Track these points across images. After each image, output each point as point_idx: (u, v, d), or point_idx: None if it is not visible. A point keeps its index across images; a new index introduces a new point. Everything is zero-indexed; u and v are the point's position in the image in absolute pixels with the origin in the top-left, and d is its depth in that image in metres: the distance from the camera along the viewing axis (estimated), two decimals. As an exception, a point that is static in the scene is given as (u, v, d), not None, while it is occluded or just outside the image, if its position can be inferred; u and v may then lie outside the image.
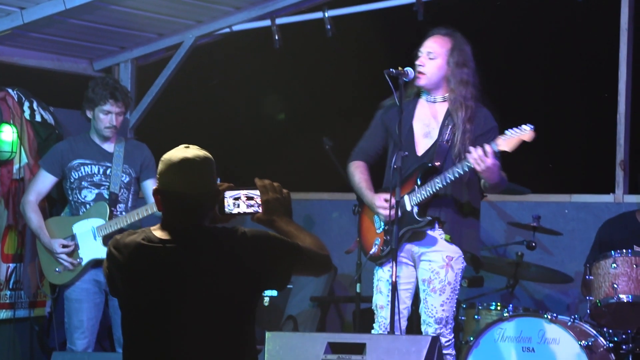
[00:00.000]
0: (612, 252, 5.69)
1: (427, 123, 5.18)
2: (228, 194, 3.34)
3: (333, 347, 4.42)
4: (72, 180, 5.76)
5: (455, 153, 5.08)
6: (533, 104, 7.27)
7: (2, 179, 6.34)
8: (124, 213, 5.74)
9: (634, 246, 5.87)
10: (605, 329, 5.67)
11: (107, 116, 5.72)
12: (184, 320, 3.19)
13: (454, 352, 5.19)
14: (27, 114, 6.49)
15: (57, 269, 5.74)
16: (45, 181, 5.82)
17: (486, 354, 5.61)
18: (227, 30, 7.27)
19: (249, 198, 3.35)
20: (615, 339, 5.64)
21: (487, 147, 4.90)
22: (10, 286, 6.41)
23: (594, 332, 5.61)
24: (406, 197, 5.09)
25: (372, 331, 5.20)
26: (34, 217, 5.80)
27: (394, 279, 4.88)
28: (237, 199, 3.35)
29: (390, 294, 4.91)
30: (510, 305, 5.75)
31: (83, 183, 5.75)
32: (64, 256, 5.70)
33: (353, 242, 6.11)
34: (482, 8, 7.27)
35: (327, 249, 3.39)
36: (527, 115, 5.05)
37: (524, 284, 6.63)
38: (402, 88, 5.05)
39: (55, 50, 7.15)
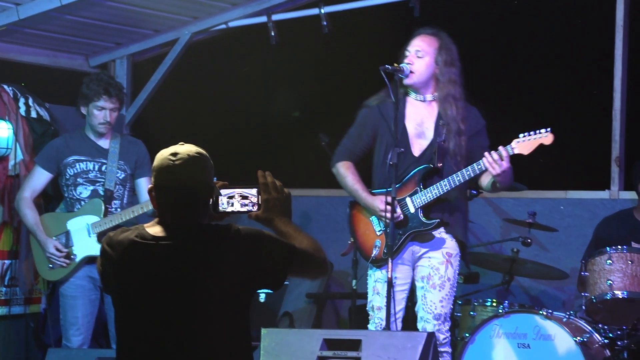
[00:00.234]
0: (608, 248, 5.70)
1: (419, 123, 5.18)
2: (223, 192, 3.33)
3: (329, 344, 4.41)
4: (67, 177, 5.75)
5: (450, 153, 5.08)
6: (528, 101, 7.27)
7: (-3, 176, 6.34)
8: (119, 210, 5.73)
9: (632, 243, 5.88)
10: (600, 325, 5.68)
11: (101, 112, 5.70)
12: (177, 317, 3.19)
13: (450, 350, 5.19)
14: (22, 110, 6.49)
15: (50, 265, 5.74)
16: (40, 178, 5.81)
17: (482, 350, 5.62)
18: (223, 26, 7.26)
19: (244, 197, 3.34)
20: (611, 335, 5.65)
21: (503, 151, 4.91)
22: (6, 283, 6.40)
23: (589, 328, 5.62)
24: (408, 200, 5.09)
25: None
26: (30, 214, 5.79)
27: (389, 275, 4.88)
28: (231, 197, 3.34)
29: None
30: (506, 302, 5.75)
31: (78, 180, 5.74)
32: (54, 256, 5.68)
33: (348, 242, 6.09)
34: (477, 4, 7.26)
35: (324, 252, 3.38)
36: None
37: (520, 281, 6.64)
38: (397, 84, 5.06)
39: (51, 47, 7.14)
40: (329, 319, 7.21)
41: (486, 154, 4.93)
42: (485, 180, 5.11)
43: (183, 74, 7.58)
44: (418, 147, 5.16)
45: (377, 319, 5.14)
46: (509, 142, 5.00)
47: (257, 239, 3.24)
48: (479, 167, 4.97)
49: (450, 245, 5.13)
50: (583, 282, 5.79)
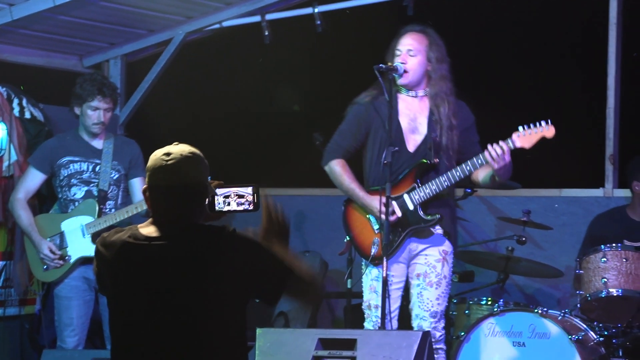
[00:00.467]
0: (602, 246, 5.71)
1: (412, 118, 5.18)
2: (218, 191, 3.33)
3: (324, 343, 4.41)
4: (61, 178, 5.74)
5: (443, 149, 5.09)
6: (522, 98, 7.28)
7: (-9, 177, 6.33)
8: (113, 210, 5.72)
9: (625, 240, 5.89)
10: (595, 323, 5.69)
11: (95, 112, 5.69)
12: (171, 317, 3.18)
13: (445, 347, 5.20)
14: (16, 111, 6.47)
15: (44, 267, 5.73)
16: (34, 179, 5.80)
17: (477, 348, 5.62)
18: (217, 26, 7.26)
19: (240, 196, 3.34)
20: (606, 332, 5.65)
21: (504, 145, 4.91)
22: (0, 284, 6.39)
23: (584, 326, 5.62)
24: (406, 196, 5.09)
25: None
26: (24, 215, 5.78)
27: (384, 274, 4.88)
28: (227, 196, 3.34)
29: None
30: (501, 300, 5.75)
31: (72, 180, 5.73)
32: (48, 258, 5.67)
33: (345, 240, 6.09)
34: (470, 3, 7.27)
35: (320, 280, 3.36)
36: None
37: (515, 279, 6.64)
38: (392, 84, 5.06)
39: (44, 47, 7.13)
40: (324, 318, 7.21)
41: (489, 147, 4.93)
42: (482, 174, 5.10)
43: (177, 74, 7.57)
44: (412, 142, 5.16)
45: (374, 317, 5.14)
46: (505, 139, 4.99)
47: (255, 250, 3.24)
48: (480, 161, 4.97)
49: (446, 243, 5.14)
50: (578, 280, 5.79)
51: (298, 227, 7.38)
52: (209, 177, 3.35)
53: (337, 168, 5.25)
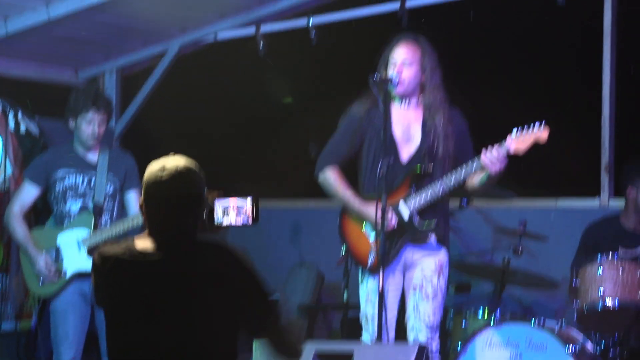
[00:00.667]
0: (599, 256, 5.70)
1: (406, 127, 5.18)
2: (217, 203, 3.32)
3: (321, 356, 4.40)
4: (56, 191, 5.73)
5: (439, 157, 5.09)
6: (517, 108, 7.28)
7: (-14, 191, 6.32)
8: (109, 223, 5.70)
9: (619, 248, 5.89)
10: (592, 333, 5.68)
11: (89, 125, 5.68)
12: (165, 331, 3.18)
13: (441, 359, 5.19)
14: (11, 125, 6.47)
15: (40, 281, 5.71)
16: (29, 192, 5.78)
17: (474, 360, 5.61)
18: (212, 38, 7.26)
19: (239, 208, 3.33)
20: (603, 342, 5.65)
21: (500, 149, 4.91)
22: (-4, 298, 6.38)
23: (581, 336, 5.62)
24: (402, 204, 5.08)
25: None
26: (19, 229, 5.76)
27: (381, 286, 4.86)
28: (226, 209, 3.33)
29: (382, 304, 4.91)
30: (498, 311, 5.74)
31: (67, 194, 5.71)
32: (43, 272, 5.65)
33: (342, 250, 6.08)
34: (464, 13, 7.27)
35: (301, 350, 3.43)
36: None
37: (511, 290, 6.64)
38: (387, 95, 5.06)
39: (39, 60, 7.13)
40: (321, 330, 7.20)
41: (485, 152, 4.93)
42: (477, 177, 5.09)
43: (172, 86, 7.58)
44: (406, 152, 5.16)
45: (371, 328, 5.13)
46: (500, 143, 4.99)
47: (248, 270, 3.25)
48: (476, 166, 4.96)
49: (441, 253, 5.13)
50: (574, 290, 5.79)
51: (294, 239, 7.37)
52: (205, 188, 3.33)
53: (331, 176, 5.24)
